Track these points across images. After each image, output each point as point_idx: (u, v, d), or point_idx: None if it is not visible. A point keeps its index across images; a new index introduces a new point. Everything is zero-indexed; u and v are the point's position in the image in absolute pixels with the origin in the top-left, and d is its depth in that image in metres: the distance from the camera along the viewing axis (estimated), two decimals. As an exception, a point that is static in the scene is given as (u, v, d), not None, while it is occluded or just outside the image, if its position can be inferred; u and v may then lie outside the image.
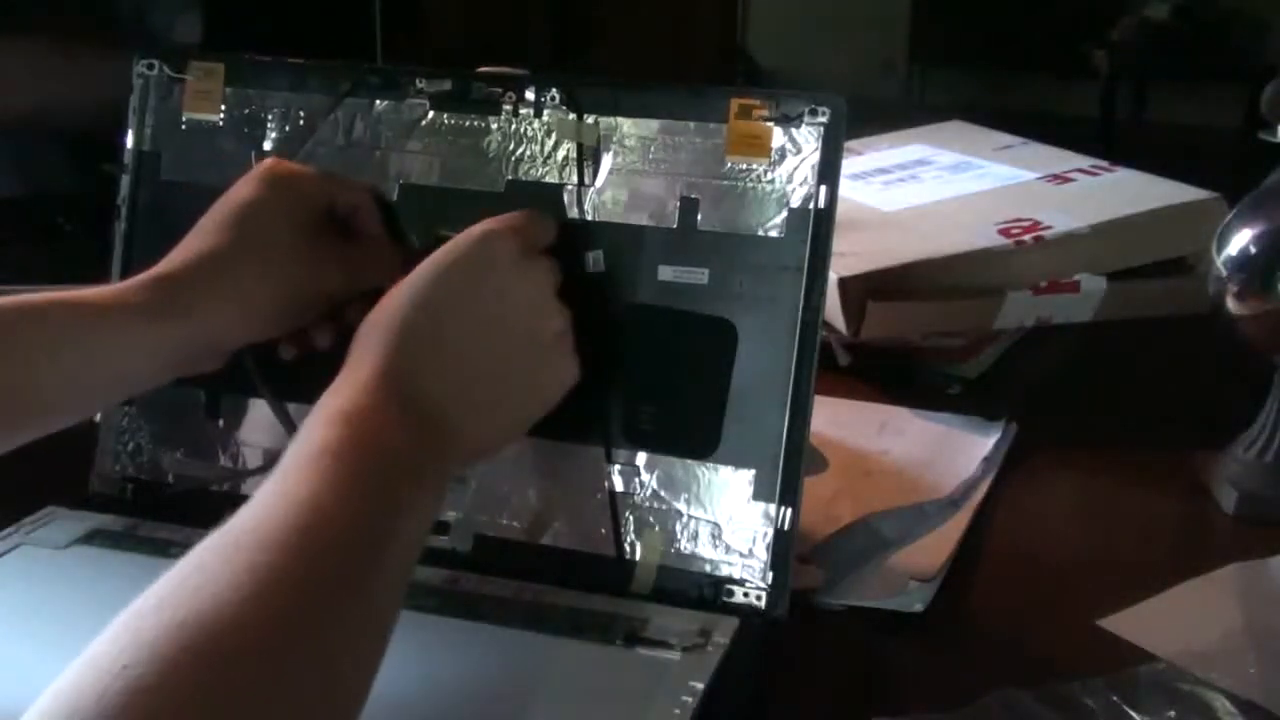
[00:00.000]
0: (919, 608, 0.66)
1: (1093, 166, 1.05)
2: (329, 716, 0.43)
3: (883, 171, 1.09)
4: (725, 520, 0.64)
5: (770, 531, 0.63)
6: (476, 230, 0.60)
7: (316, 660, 0.43)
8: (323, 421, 0.52)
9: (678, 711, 0.54)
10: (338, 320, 0.67)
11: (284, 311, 0.65)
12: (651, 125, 0.66)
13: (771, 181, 0.64)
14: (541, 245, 0.63)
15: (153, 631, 0.40)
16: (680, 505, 0.64)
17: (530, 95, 0.68)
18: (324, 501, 0.47)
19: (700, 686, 0.55)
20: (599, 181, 0.66)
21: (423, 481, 0.53)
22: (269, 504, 0.47)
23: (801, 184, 0.64)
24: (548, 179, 0.67)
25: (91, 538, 0.67)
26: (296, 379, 0.70)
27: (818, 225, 0.63)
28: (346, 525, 0.47)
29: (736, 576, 0.63)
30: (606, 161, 0.66)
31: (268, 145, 0.71)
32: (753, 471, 0.63)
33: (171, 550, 0.66)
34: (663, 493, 0.65)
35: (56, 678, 0.38)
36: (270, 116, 0.71)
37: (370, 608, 0.47)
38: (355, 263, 0.67)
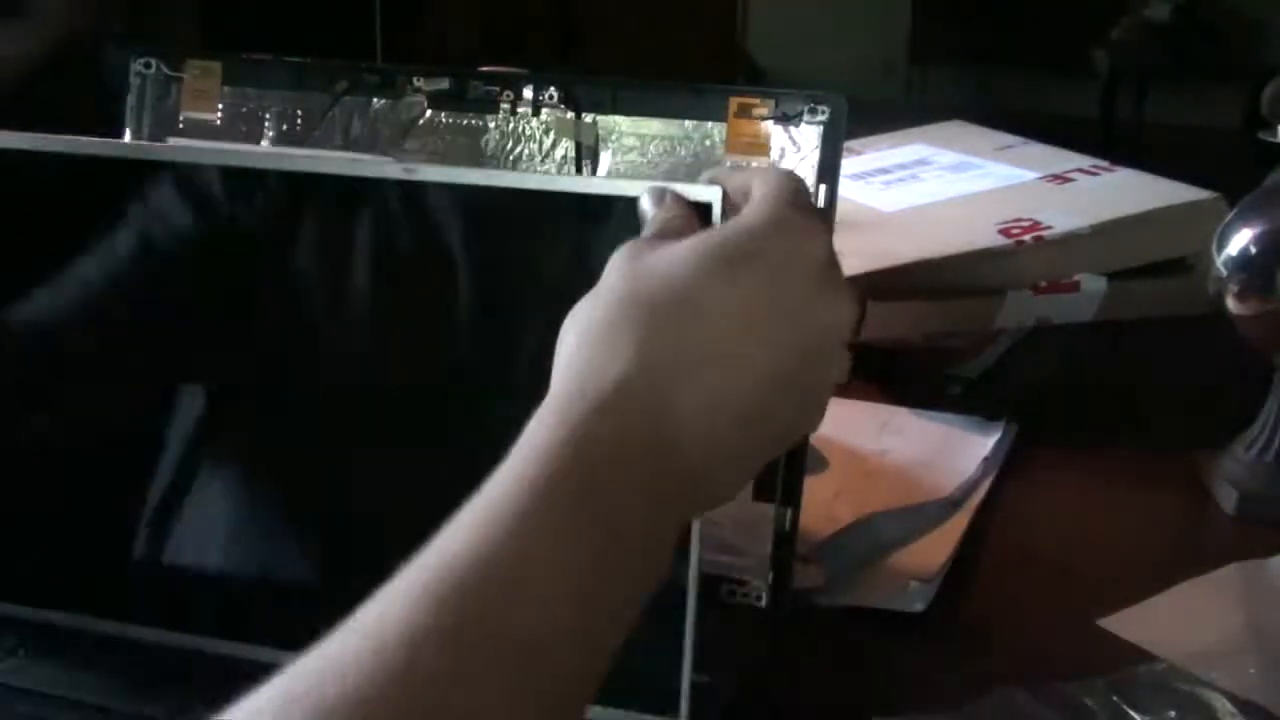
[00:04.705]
0: (919, 608, 0.66)
1: (1093, 166, 1.05)
2: None
3: (883, 171, 1.09)
4: (725, 520, 0.63)
5: (771, 531, 0.63)
6: (775, 183, 0.46)
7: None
8: (526, 456, 0.39)
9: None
10: None
11: None
12: (650, 124, 0.66)
13: (771, 180, 0.64)
14: None
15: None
16: (679, 505, 0.64)
17: (528, 94, 0.67)
18: (517, 554, 0.37)
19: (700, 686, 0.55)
20: (598, 180, 0.66)
21: (640, 544, 0.40)
22: (443, 551, 0.37)
23: (801, 183, 0.63)
24: (547, 178, 0.67)
25: (89, 537, 0.67)
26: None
27: (817, 224, 0.63)
28: (542, 589, 0.37)
29: (736, 576, 0.63)
30: (605, 160, 0.66)
31: (265, 144, 0.71)
32: (752, 471, 0.63)
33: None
34: (662, 492, 0.64)
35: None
36: (268, 115, 0.71)
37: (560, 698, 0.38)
38: None
